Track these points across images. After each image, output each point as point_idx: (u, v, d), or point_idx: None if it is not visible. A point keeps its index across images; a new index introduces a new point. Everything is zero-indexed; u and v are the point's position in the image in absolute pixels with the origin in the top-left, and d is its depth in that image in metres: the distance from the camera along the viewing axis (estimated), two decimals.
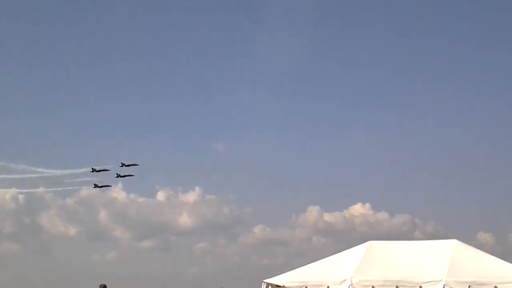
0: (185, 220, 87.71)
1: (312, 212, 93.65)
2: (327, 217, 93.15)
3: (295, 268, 17.10)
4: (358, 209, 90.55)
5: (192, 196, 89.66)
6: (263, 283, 16.34)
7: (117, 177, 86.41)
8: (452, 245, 16.10)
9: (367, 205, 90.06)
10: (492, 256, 15.67)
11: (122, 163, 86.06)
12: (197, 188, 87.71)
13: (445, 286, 14.35)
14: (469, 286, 14.22)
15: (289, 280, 16.10)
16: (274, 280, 16.32)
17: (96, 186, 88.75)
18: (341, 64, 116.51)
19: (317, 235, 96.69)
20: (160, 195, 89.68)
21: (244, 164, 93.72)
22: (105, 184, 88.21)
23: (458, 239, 16.66)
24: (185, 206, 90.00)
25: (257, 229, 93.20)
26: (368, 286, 14.99)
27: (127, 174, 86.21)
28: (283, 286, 16.09)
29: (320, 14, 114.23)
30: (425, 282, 14.60)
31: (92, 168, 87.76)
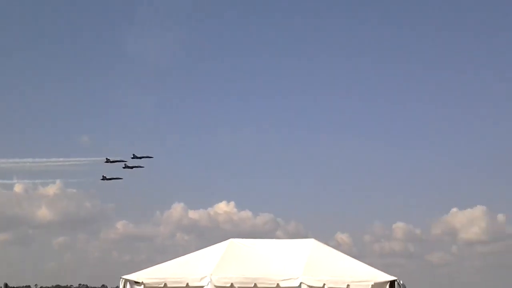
0: (44, 213, 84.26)
1: (177, 209, 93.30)
2: (192, 214, 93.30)
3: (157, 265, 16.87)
4: (222, 207, 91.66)
5: (52, 189, 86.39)
6: (121, 279, 15.94)
7: (124, 167, 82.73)
8: (310, 244, 16.58)
9: (232, 203, 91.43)
10: (347, 256, 16.30)
11: (133, 155, 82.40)
12: (58, 181, 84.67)
13: (301, 283, 14.78)
14: (324, 284, 14.72)
15: (148, 276, 15.79)
16: (133, 277, 15.93)
17: (104, 178, 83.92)
18: (214, 61, 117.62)
19: (181, 231, 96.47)
20: (18, 187, 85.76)
21: (109, 158, 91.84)
22: (114, 177, 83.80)
23: (318, 238, 17.21)
24: (44, 199, 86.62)
25: (120, 225, 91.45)
26: (227, 283, 15.08)
27: (136, 165, 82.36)
28: (142, 282, 15.77)
29: (195, 10, 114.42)
30: (282, 280, 14.95)
31: (106, 158, 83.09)
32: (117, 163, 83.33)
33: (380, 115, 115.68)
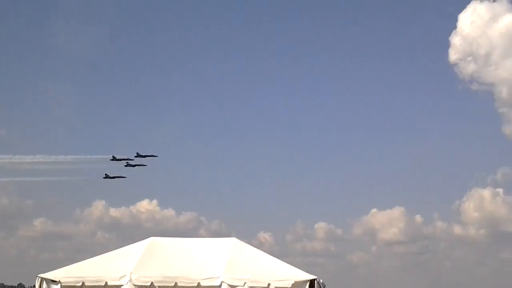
0: None
1: (98, 206, 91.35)
2: (113, 212, 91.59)
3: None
4: (145, 205, 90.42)
5: None
6: (37, 278, 15.44)
7: (126, 166, 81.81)
8: (231, 243, 16.60)
9: (154, 201, 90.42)
10: (268, 255, 16.41)
11: (137, 153, 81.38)
12: None
13: (222, 283, 14.75)
14: (245, 283, 14.75)
15: (66, 275, 15.34)
16: (49, 275, 15.45)
17: (107, 176, 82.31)
18: (141, 54, 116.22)
19: (101, 230, 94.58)
20: None
21: (28, 151, 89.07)
22: (117, 175, 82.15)
23: (240, 238, 17.24)
24: None
25: (38, 222, 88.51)
26: (147, 282, 14.86)
27: (139, 164, 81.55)
28: (59, 281, 15.31)
29: (120, 2, 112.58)
30: (203, 279, 14.88)
31: (113, 156, 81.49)
32: (119, 161, 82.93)
33: (304, 115, 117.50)
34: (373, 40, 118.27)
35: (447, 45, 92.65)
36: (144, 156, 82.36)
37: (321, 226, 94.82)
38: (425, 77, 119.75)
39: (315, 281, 14.96)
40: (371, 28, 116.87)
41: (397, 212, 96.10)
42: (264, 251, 16.96)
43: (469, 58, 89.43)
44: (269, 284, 14.75)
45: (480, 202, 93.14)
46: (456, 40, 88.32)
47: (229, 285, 14.70)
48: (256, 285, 14.79)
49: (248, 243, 17.47)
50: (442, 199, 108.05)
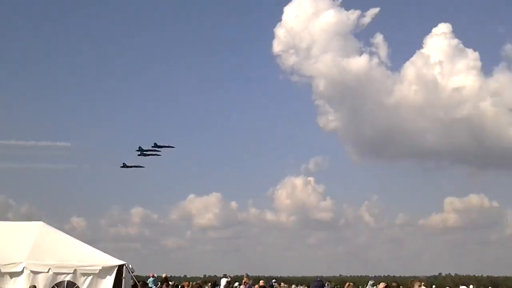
0: None
1: None
2: None
3: None
4: None
5: None
6: None
7: (140, 155, 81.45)
8: (38, 227, 15.90)
9: None
10: (76, 240, 15.99)
11: (155, 144, 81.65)
12: None
13: (24, 268, 14.11)
14: (49, 269, 14.27)
15: None
16: None
17: (124, 166, 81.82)
18: None
19: None
20: None
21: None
22: (135, 165, 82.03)
23: (52, 222, 16.61)
24: None
25: None
26: None
27: (151, 153, 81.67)
28: None
29: None
30: (4, 265, 14.15)
31: (139, 147, 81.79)
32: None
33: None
34: (199, 32, 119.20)
35: (272, 36, 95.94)
36: (161, 147, 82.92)
37: (137, 211, 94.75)
38: (249, 66, 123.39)
39: (124, 266, 14.86)
40: (199, 21, 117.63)
41: (213, 198, 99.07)
42: (75, 237, 16.53)
43: (292, 51, 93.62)
44: (75, 270, 14.44)
45: (292, 190, 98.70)
46: (280, 32, 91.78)
47: (31, 271, 14.12)
48: (62, 271, 14.40)
49: (59, 228, 16.87)
50: (257, 186, 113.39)
